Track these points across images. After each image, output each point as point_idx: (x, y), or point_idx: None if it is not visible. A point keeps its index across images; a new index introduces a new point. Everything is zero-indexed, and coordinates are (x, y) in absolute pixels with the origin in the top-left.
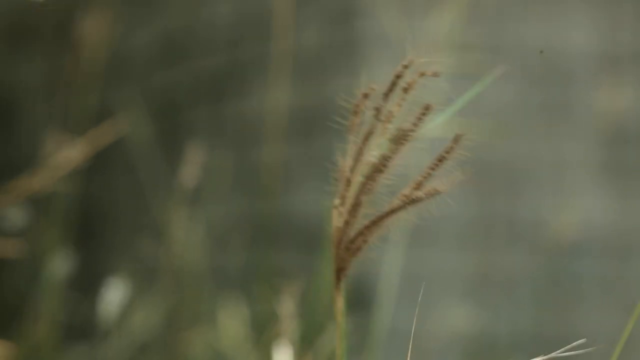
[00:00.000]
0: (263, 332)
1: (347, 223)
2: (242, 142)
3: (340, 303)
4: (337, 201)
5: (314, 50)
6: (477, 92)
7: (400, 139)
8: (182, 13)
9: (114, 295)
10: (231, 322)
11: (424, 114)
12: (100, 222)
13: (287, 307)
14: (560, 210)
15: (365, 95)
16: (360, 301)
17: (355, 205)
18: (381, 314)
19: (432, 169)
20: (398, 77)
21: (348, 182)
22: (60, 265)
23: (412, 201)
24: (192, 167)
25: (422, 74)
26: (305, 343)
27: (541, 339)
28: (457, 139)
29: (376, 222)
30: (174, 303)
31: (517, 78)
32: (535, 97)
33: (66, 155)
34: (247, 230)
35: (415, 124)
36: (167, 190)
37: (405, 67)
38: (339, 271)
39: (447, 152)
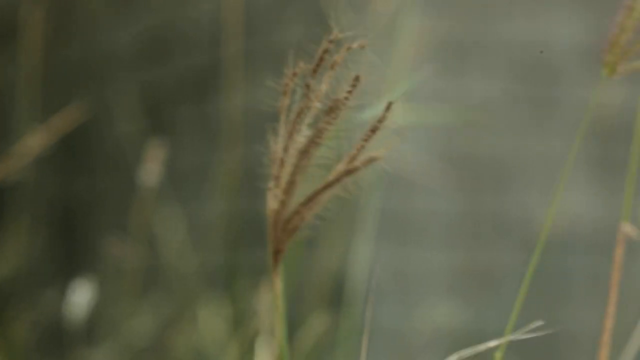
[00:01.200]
0: (244, 330)
1: (282, 203)
2: (221, 141)
3: (278, 285)
4: (271, 183)
5: (300, 48)
6: (419, 79)
7: (331, 110)
8: (164, 10)
9: (81, 297)
10: (213, 321)
11: (354, 86)
12: (80, 221)
13: (265, 304)
14: (547, 206)
15: (294, 74)
16: (346, 298)
17: (290, 185)
18: (366, 311)
19: (366, 140)
20: (325, 52)
21: (281, 162)
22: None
23: (347, 172)
24: (154, 165)
25: (349, 48)
26: (292, 338)
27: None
28: (389, 107)
29: (312, 198)
30: (158, 302)
31: (503, 73)
32: (522, 92)
33: (28, 143)
34: (228, 229)
35: (345, 97)
36: (140, 187)
37: (331, 42)
38: (276, 253)
39: (380, 122)
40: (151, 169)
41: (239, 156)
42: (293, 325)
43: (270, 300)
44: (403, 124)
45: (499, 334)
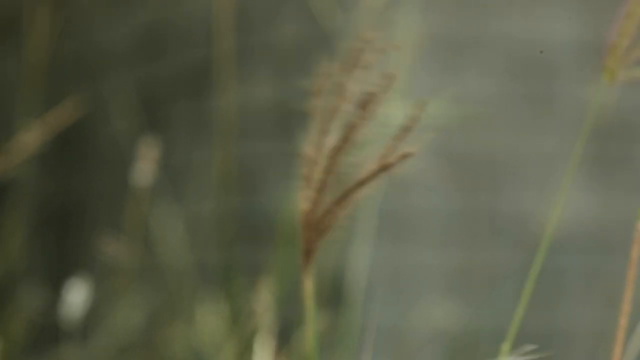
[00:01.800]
0: (241, 328)
1: (314, 203)
2: (218, 138)
3: (309, 285)
4: (302, 183)
5: (294, 45)
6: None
7: (364, 105)
8: (160, 7)
9: (77, 297)
10: (210, 319)
11: (388, 82)
12: (74, 219)
13: (264, 302)
14: (543, 204)
15: (327, 75)
16: (342, 297)
17: (322, 185)
18: (363, 310)
19: (399, 137)
20: (358, 51)
21: (313, 162)
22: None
23: (381, 169)
24: (148, 163)
25: (381, 49)
26: (284, 336)
27: (524, 333)
28: (419, 106)
29: (345, 196)
30: (154, 300)
31: (500, 71)
32: (519, 90)
33: (24, 139)
34: (226, 227)
35: (378, 91)
36: (134, 186)
37: (366, 42)
38: (308, 253)
39: (411, 121)
40: (145, 167)
41: (233, 153)
42: (292, 324)
43: (266, 299)
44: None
45: (495, 332)
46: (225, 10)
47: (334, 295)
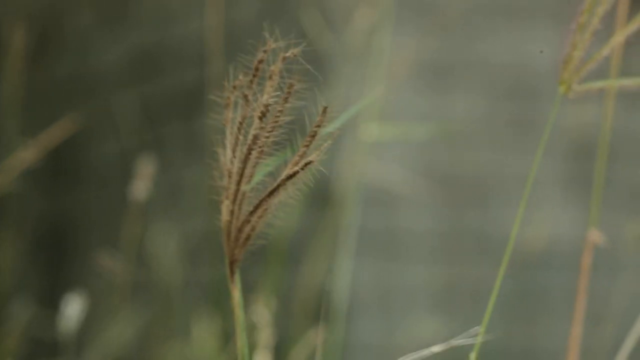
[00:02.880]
0: (234, 344)
1: (232, 214)
2: (211, 157)
3: (236, 295)
4: (223, 194)
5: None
6: (378, 95)
7: (265, 115)
8: (153, 29)
9: (73, 311)
10: (204, 336)
11: (289, 92)
12: (70, 237)
13: (262, 318)
14: (527, 223)
15: (234, 87)
16: (330, 314)
17: (237, 195)
18: (349, 327)
19: (306, 145)
20: (260, 62)
21: (229, 173)
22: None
23: (288, 178)
24: (144, 180)
25: (284, 58)
26: (280, 353)
27: (509, 350)
28: (324, 111)
29: (258, 206)
30: (148, 317)
31: (485, 93)
32: (503, 112)
33: (18, 157)
34: (219, 245)
35: (281, 103)
36: (130, 204)
37: (266, 52)
38: (232, 263)
39: (318, 126)
40: (140, 185)
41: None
42: (285, 340)
43: (263, 315)
44: (384, 140)
45: (480, 349)
46: (216, 32)
47: (320, 313)
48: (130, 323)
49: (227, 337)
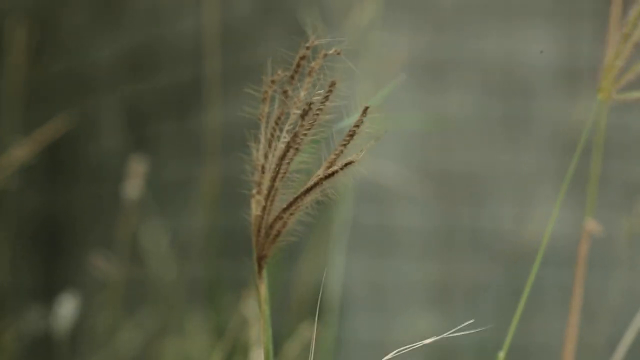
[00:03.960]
0: (228, 342)
1: (264, 209)
2: (205, 155)
3: (263, 291)
4: (254, 189)
5: (279, 64)
6: (387, 92)
7: (306, 115)
8: (148, 26)
9: (67, 311)
10: (198, 332)
11: (330, 90)
12: (63, 235)
13: (255, 314)
14: (521, 220)
15: (273, 82)
16: (323, 311)
17: (271, 191)
18: (343, 324)
19: (344, 144)
20: (302, 58)
21: (262, 168)
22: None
23: (326, 177)
24: (136, 179)
25: (325, 55)
26: (275, 348)
27: (501, 346)
28: (365, 111)
29: (293, 204)
30: (142, 314)
31: (478, 90)
32: (496, 109)
33: (12, 154)
34: (211, 242)
35: (322, 101)
36: (123, 202)
37: (308, 48)
38: (260, 259)
39: (357, 126)
40: (134, 183)
41: (220, 170)
42: (279, 337)
43: (255, 311)
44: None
45: (474, 346)
46: (213, 29)
47: (315, 309)
48: (125, 321)
49: (220, 333)
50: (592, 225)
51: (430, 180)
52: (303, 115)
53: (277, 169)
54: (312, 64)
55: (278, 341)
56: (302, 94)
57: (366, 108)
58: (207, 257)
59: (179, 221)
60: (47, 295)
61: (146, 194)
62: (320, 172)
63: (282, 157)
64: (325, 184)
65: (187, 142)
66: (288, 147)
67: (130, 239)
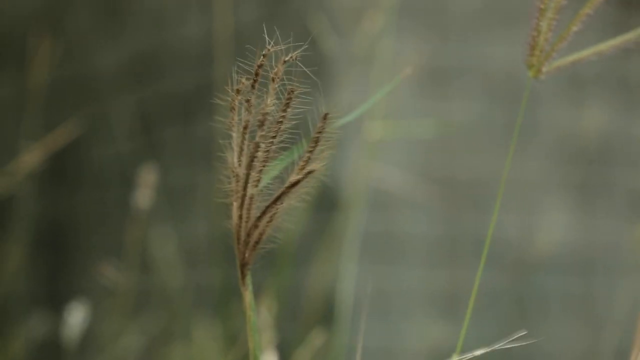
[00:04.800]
0: (236, 348)
1: (241, 217)
2: (211, 161)
3: (248, 297)
4: (231, 198)
5: (289, 69)
6: (383, 94)
7: (264, 123)
8: (153, 33)
9: (76, 319)
10: (206, 339)
11: (289, 98)
12: (70, 240)
13: (264, 320)
14: (526, 227)
15: (238, 91)
16: (331, 318)
17: (244, 198)
18: (350, 331)
19: (310, 151)
20: (260, 66)
21: (237, 176)
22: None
23: (292, 185)
24: (146, 188)
25: (284, 61)
26: (285, 355)
27: (509, 354)
28: (325, 117)
29: (265, 211)
30: (150, 321)
31: (483, 98)
32: (501, 117)
33: (22, 160)
34: (220, 248)
35: (282, 109)
36: (132, 210)
37: (265, 55)
38: (243, 266)
39: (320, 132)
40: (144, 192)
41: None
42: (290, 344)
43: (267, 316)
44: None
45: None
46: (222, 34)
47: (325, 316)
48: (132, 327)
49: (228, 340)
50: None
51: (435, 188)
52: (261, 125)
53: (247, 177)
54: (273, 71)
55: (289, 348)
56: (268, 101)
57: (326, 115)
58: (214, 263)
59: (185, 227)
60: (53, 301)
61: (154, 200)
62: (290, 180)
63: (249, 165)
64: (294, 190)
65: (192, 147)
66: (253, 155)
67: (138, 246)
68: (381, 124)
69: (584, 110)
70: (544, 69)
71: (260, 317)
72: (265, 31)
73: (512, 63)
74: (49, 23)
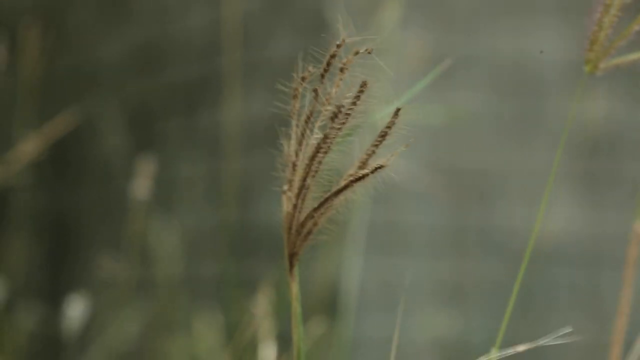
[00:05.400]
0: (237, 340)
1: (295, 207)
2: (214, 153)
3: (295, 288)
4: (285, 186)
5: (286, 61)
6: (424, 85)
7: (338, 116)
8: (155, 23)
9: (77, 311)
10: (206, 330)
11: (361, 91)
12: (72, 233)
13: (262, 309)
14: (532, 219)
15: (303, 79)
16: (338, 310)
17: (302, 189)
18: (355, 321)
19: (376, 145)
20: (332, 56)
21: (294, 166)
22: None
23: (357, 179)
24: (145, 178)
25: (356, 52)
26: (282, 346)
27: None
28: (397, 114)
29: (324, 203)
30: (150, 313)
31: (489, 88)
32: (508, 107)
33: (20, 150)
34: (221, 239)
35: (353, 102)
36: (131, 202)
37: (339, 46)
38: (292, 256)
39: (389, 128)
40: (143, 183)
41: (234, 168)
42: (289, 336)
43: (265, 308)
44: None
45: (485, 344)
46: (230, 25)
47: (329, 307)
48: (132, 319)
49: (229, 331)
50: None
51: (441, 178)
52: (333, 118)
53: (309, 168)
54: (344, 61)
55: (291, 340)
56: (334, 91)
57: (398, 109)
58: (216, 255)
59: (187, 219)
60: (53, 293)
61: (154, 192)
62: (352, 173)
63: (313, 156)
64: (357, 185)
65: (196, 139)
66: (319, 147)
67: (138, 238)
68: (388, 112)
69: (591, 100)
70: (602, 65)
71: (259, 308)
72: (268, 20)
73: (519, 53)
74: (52, 13)
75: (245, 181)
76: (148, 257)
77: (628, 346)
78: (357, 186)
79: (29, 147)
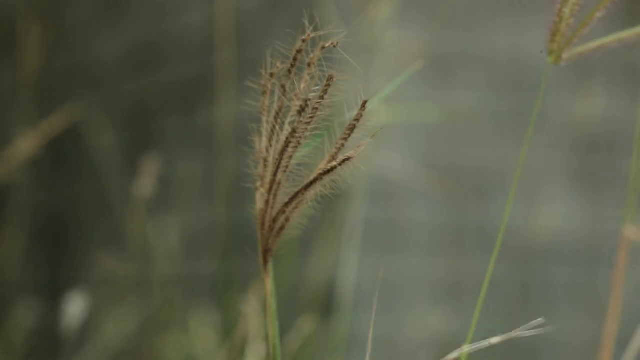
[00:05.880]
0: (233, 337)
1: (267, 203)
2: (210, 150)
3: (269, 285)
4: (257, 182)
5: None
6: (400, 82)
7: (305, 110)
8: (153, 21)
9: (75, 308)
10: (202, 328)
11: (328, 85)
12: (69, 230)
13: (253, 307)
14: (530, 217)
15: (272, 75)
16: (333, 307)
17: (274, 184)
18: (352, 319)
19: (344, 139)
20: (299, 51)
21: (265, 162)
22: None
23: (325, 172)
24: (148, 177)
25: (323, 47)
26: (283, 344)
27: (513, 344)
28: (364, 105)
29: (294, 198)
30: (146, 310)
31: (487, 85)
32: (506, 104)
33: (18, 146)
34: (217, 238)
35: (320, 95)
36: (133, 200)
37: (304, 41)
38: (265, 252)
39: (357, 120)
40: (145, 182)
41: (229, 165)
42: (286, 332)
43: (257, 305)
44: (386, 123)
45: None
46: (224, 23)
47: (325, 304)
48: (130, 316)
49: (225, 329)
50: (631, 231)
51: (438, 176)
52: (300, 111)
53: (278, 163)
54: (310, 56)
55: (284, 337)
56: (302, 86)
57: (364, 102)
58: (214, 253)
59: (185, 217)
60: (52, 290)
61: (153, 189)
62: (321, 167)
63: (283, 151)
64: (326, 178)
65: (193, 137)
66: (287, 141)
67: (138, 235)
68: (384, 109)
69: (589, 98)
70: (565, 55)
71: (249, 306)
72: (266, 17)
73: (516, 51)
74: (50, 10)
75: (240, 179)
76: (145, 254)
77: (624, 345)
78: (327, 179)
79: (27, 144)
